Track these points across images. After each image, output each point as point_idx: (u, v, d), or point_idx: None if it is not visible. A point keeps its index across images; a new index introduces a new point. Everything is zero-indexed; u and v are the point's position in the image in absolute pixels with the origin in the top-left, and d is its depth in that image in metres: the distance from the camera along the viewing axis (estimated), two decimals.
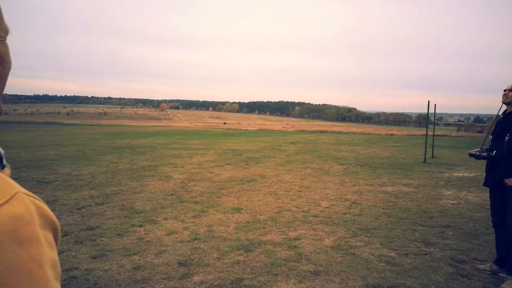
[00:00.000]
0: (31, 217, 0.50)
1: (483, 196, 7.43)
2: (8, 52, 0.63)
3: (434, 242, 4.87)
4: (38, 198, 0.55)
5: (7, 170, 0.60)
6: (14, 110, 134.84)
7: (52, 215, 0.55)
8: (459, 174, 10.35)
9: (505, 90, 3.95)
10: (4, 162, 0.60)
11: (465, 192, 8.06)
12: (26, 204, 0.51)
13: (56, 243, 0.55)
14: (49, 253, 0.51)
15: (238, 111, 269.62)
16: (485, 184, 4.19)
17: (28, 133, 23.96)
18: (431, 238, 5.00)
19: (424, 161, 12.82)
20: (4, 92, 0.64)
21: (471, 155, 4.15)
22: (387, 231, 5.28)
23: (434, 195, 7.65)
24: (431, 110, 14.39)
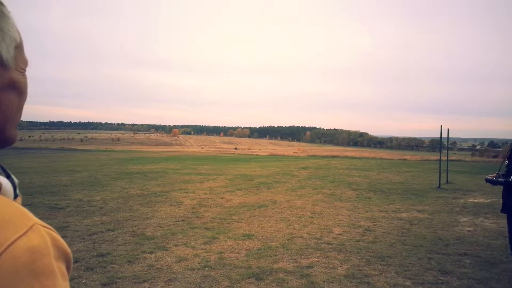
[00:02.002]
0: (47, 249, 0.51)
1: (500, 223, 7.23)
2: (27, 84, 0.64)
3: (450, 270, 4.72)
4: (53, 229, 0.55)
5: (19, 199, 0.61)
6: (29, 137, 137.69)
7: (65, 246, 0.55)
8: (475, 200, 10.12)
9: None
10: (18, 191, 0.61)
11: (481, 218, 7.85)
12: (43, 236, 0.51)
13: (68, 273, 0.56)
14: (62, 284, 0.51)
15: (249, 136, 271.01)
16: (502, 211, 4.09)
17: (42, 159, 24.33)
18: (448, 267, 4.85)
19: (439, 187, 12.60)
20: (20, 119, 0.66)
21: (487, 180, 4.08)
22: (402, 259, 5.14)
23: (449, 222, 7.47)
24: (444, 135, 14.26)
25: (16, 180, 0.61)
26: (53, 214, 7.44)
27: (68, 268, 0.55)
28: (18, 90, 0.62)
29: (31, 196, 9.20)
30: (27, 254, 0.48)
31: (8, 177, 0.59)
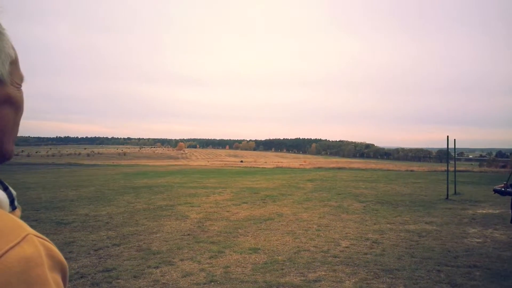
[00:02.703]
0: (41, 259, 0.51)
1: (510, 234, 7.12)
2: (23, 99, 0.65)
3: (460, 283, 4.63)
4: (47, 239, 0.55)
5: (18, 211, 0.61)
6: (36, 152, 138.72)
7: (60, 256, 0.55)
8: (484, 211, 9.98)
9: None
10: (16, 203, 0.61)
11: (491, 229, 7.74)
12: (36, 246, 0.52)
13: (65, 284, 0.55)
14: None
15: (254, 149, 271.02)
16: None
17: (49, 175, 24.47)
18: (457, 279, 4.76)
19: (447, 198, 12.46)
20: (27, 135, 0.66)
21: (495, 191, 4.03)
22: (411, 272, 5.06)
23: (458, 233, 7.37)
24: (451, 145, 14.16)
25: (14, 192, 0.62)
26: (59, 230, 7.44)
27: (64, 279, 0.55)
28: (15, 105, 0.63)
29: (38, 212, 9.22)
30: (20, 264, 0.48)
31: (5, 189, 0.59)
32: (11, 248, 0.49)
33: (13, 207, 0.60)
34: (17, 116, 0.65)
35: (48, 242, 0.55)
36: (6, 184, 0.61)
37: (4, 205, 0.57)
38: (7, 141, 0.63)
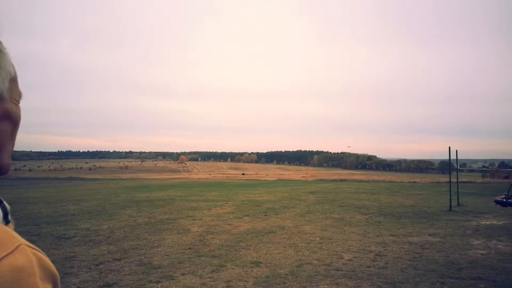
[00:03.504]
0: (33, 269, 0.52)
1: None
2: (20, 115, 0.68)
3: None
4: (39, 250, 0.56)
5: (12, 225, 0.63)
6: (38, 167, 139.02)
7: (52, 267, 0.56)
8: (487, 222, 9.91)
9: None
10: (9, 217, 0.63)
11: (494, 241, 7.67)
12: (28, 256, 0.52)
13: None
14: None
15: (256, 162, 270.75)
16: None
17: (51, 189, 24.45)
18: None
19: (450, 209, 12.38)
20: (29, 150, 0.68)
21: (496, 202, 4.01)
22: (414, 284, 5.01)
23: (462, 245, 7.30)
24: (453, 156, 14.13)
25: (8, 206, 0.63)
26: (60, 244, 7.41)
27: None
28: (13, 120, 0.65)
29: (39, 226, 9.19)
30: (12, 273, 0.49)
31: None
32: (4, 257, 0.50)
33: (6, 221, 0.61)
34: (14, 131, 0.67)
35: (40, 252, 0.56)
36: (0, 198, 0.62)
37: None
38: (4, 156, 0.65)
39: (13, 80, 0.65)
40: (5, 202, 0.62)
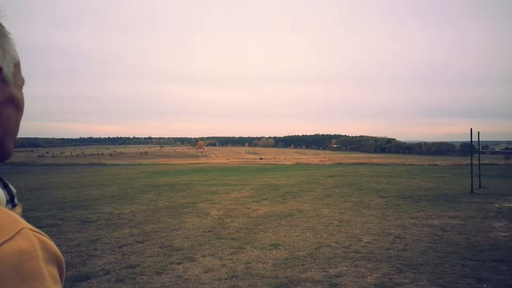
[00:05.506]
0: (35, 252, 0.51)
1: None
2: (24, 101, 0.68)
3: (486, 277, 4.53)
4: (43, 233, 0.56)
5: (18, 209, 0.62)
6: (60, 153, 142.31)
7: (56, 250, 0.56)
8: (510, 205, 9.71)
9: None
10: (16, 201, 0.62)
11: None
12: (31, 240, 0.52)
13: (61, 277, 0.56)
14: (52, 287, 0.52)
15: (274, 146, 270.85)
16: None
17: (74, 175, 25.07)
18: (483, 274, 4.66)
19: (471, 192, 12.18)
20: (52, 137, 0.68)
21: None
22: (434, 266, 4.98)
23: (483, 228, 7.20)
24: (475, 138, 13.81)
25: (14, 190, 0.63)
26: (84, 228, 7.63)
27: (60, 273, 0.56)
28: (17, 105, 0.66)
29: (63, 211, 9.47)
30: (14, 257, 0.49)
31: (5, 186, 0.61)
32: (5, 241, 0.49)
33: (13, 204, 0.61)
34: (18, 116, 0.67)
35: (44, 235, 0.55)
36: (6, 181, 0.62)
37: (1, 201, 0.57)
38: (8, 140, 0.65)
39: (17, 66, 0.66)
40: (11, 186, 0.62)
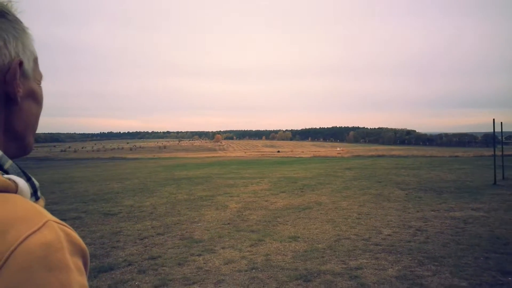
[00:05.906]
0: (61, 244, 0.52)
1: None
2: (43, 95, 0.70)
3: (511, 271, 4.44)
4: (67, 225, 0.56)
5: (41, 201, 0.63)
6: (82, 148, 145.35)
7: (81, 242, 0.56)
8: None
9: None
10: (39, 194, 0.63)
11: None
12: (56, 232, 0.52)
13: (86, 269, 0.56)
14: (78, 278, 0.52)
15: (291, 139, 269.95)
16: None
17: (95, 169, 25.59)
18: (508, 267, 4.56)
19: (494, 183, 11.90)
20: (73, 132, 0.69)
21: None
22: (457, 259, 4.91)
23: (508, 220, 7.03)
24: (498, 129, 13.46)
25: (36, 183, 0.63)
26: (107, 220, 7.80)
27: (85, 264, 0.56)
28: (37, 100, 0.67)
29: (86, 204, 9.70)
30: (40, 249, 0.49)
31: (28, 180, 0.61)
32: (32, 233, 0.50)
33: (36, 197, 0.61)
34: (38, 110, 0.68)
35: (68, 228, 0.56)
36: (30, 175, 0.62)
37: (26, 194, 0.58)
38: (29, 134, 0.67)
39: (35, 61, 0.67)
40: (34, 179, 0.63)
